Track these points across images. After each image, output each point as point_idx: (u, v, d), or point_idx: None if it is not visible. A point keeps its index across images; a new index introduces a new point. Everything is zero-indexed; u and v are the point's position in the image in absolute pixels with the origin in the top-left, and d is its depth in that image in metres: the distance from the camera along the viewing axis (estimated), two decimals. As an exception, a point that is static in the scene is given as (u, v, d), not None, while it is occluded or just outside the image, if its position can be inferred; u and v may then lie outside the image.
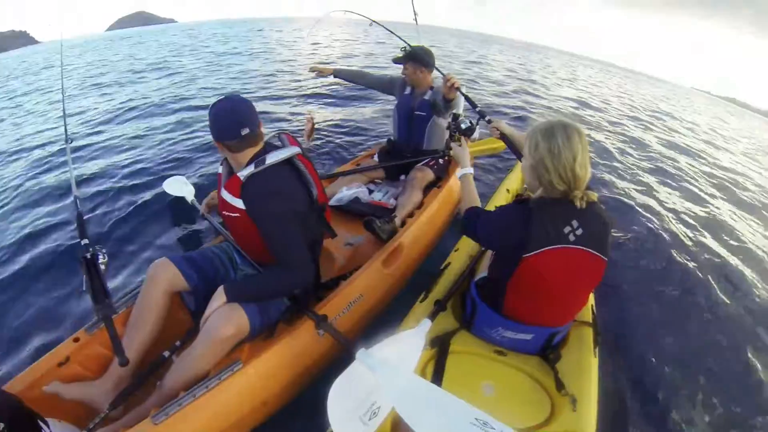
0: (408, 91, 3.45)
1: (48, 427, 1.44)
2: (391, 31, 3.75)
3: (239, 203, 1.74)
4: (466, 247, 2.51)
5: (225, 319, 1.65)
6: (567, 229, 1.54)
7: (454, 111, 3.45)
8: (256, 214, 1.73)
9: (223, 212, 1.86)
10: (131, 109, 7.42)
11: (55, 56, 20.25)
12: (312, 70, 3.57)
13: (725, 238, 4.74)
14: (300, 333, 1.91)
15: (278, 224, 1.73)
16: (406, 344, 1.63)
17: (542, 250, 1.53)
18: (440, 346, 1.82)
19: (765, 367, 2.71)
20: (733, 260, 4.20)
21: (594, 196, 1.57)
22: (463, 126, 2.72)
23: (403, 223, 2.82)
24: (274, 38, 22.69)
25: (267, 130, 1.89)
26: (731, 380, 2.55)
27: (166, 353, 1.78)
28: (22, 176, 4.73)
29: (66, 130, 2.29)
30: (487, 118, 2.85)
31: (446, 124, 3.37)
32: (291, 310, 1.95)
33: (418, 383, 1.48)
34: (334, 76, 3.62)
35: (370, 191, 3.26)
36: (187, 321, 2.00)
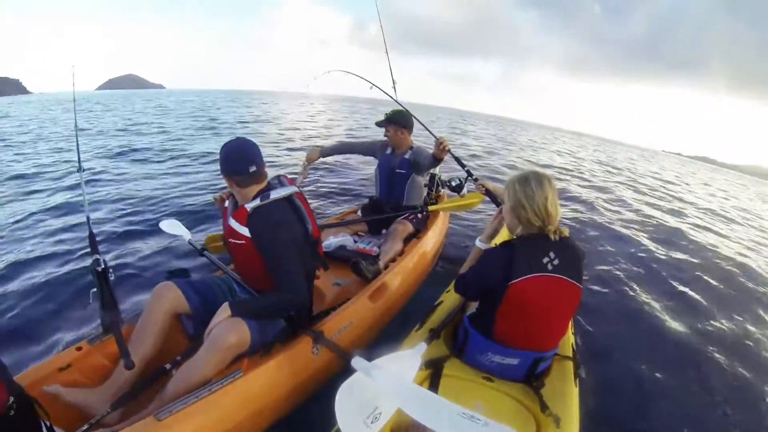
0: (389, 151, 3.68)
1: (48, 418, 1.49)
2: (389, 95, 4.01)
3: (245, 231, 1.94)
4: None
5: (229, 329, 1.78)
6: (545, 260, 1.76)
7: (432, 171, 3.81)
8: (260, 241, 1.92)
9: (230, 240, 2.04)
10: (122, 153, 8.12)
11: (51, 107, 21.95)
12: (306, 158, 3.67)
13: (689, 268, 5.29)
14: (296, 350, 2.04)
15: (279, 251, 1.91)
16: (404, 362, 1.74)
17: (525, 277, 1.74)
18: (434, 369, 1.94)
19: (739, 390, 2.89)
20: (700, 284, 4.70)
21: (566, 231, 1.83)
22: (453, 184, 3.04)
23: (386, 267, 2.99)
24: (267, 110, 24.46)
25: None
26: (702, 403, 2.71)
27: (167, 365, 1.85)
28: (37, 201, 5.31)
29: (80, 161, 2.49)
30: (474, 177, 3.17)
31: (424, 182, 3.67)
32: (286, 331, 2.08)
33: (407, 384, 1.59)
34: (322, 156, 3.75)
35: (355, 241, 3.44)
36: (184, 344, 2.06)
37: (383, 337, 2.67)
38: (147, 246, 3.87)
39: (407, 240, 3.39)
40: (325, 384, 2.17)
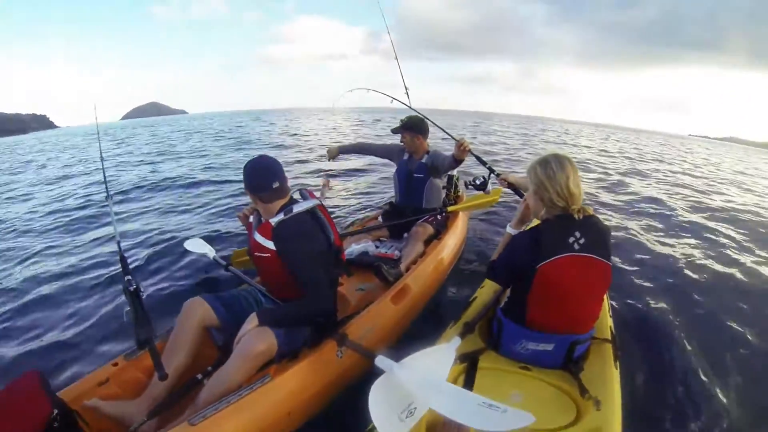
0: (406, 156, 3.72)
1: (89, 429, 1.59)
2: (404, 103, 4.05)
3: (270, 244, 1.99)
4: (490, 283, 2.62)
5: (257, 337, 1.84)
6: (571, 239, 1.75)
7: (449, 173, 3.82)
8: (285, 253, 1.98)
9: (255, 253, 2.08)
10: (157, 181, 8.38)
11: (76, 138, 22.78)
12: (328, 153, 3.94)
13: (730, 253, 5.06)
14: (322, 354, 2.08)
15: (304, 261, 1.98)
16: (438, 356, 1.76)
17: (553, 258, 1.73)
18: (469, 362, 1.93)
19: None
20: (741, 269, 4.48)
21: (590, 210, 1.82)
22: (477, 182, 3.12)
23: (407, 270, 3.01)
24: (296, 126, 25.01)
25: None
26: (751, 382, 2.64)
27: (199, 376, 1.92)
28: (69, 229, 5.64)
29: (107, 189, 2.57)
30: (496, 172, 3.19)
31: (442, 184, 3.70)
32: (313, 337, 2.11)
33: (429, 379, 1.60)
34: (341, 152, 3.94)
35: (377, 246, 3.45)
36: (214, 356, 2.09)
37: (408, 337, 2.68)
38: (175, 265, 3.99)
39: (428, 242, 3.40)
40: (351, 386, 2.20)
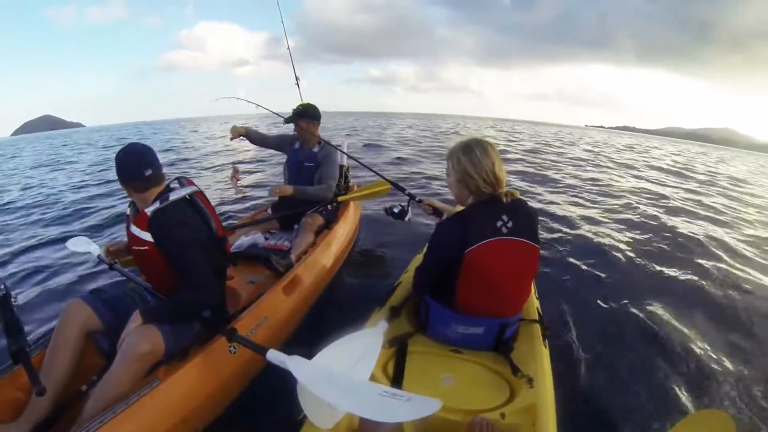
0: (297, 145, 3.66)
1: None
2: (275, 113, 4.05)
3: (147, 236, 1.85)
4: (414, 267, 2.57)
5: (140, 337, 1.71)
6: (499, 223, 1.72)
7: (340, 163, 3.84)
8: (163, 244, 1.85)
9: (133, 247, 1.94)
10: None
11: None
12: (232, 131, 3.62)
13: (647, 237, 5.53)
14: (213, 351, 1.97)
15: (183, 250, 1.86)
16: (364, 342, 1.68)
17: (480, 243, 1.68)
18: (398, 347, 1.87)
19: (695, 341, 3.00)
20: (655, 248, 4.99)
21: (516, 193, 1.79)
22: (395, 210, 2.93)
23: (298, 260, 2.96)
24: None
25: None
26: (667, 360, 2.77)
27: (84, 387, 1.77)
28: None
29: None
30: (417, 199, 3.04)
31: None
32: (203, 333, 2.03)
33: (324, 372, 1.53)
34: (246, 135, 3.67)
35: (266, 238, 3.39)
36: (100, 364, 1.93)
37: (305, 327, 2.70)
38: (54, 265, 3.69)
39: (319, 232, 3.40)
40: (251, 382, 2.17)
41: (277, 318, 2.44)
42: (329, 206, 3.61)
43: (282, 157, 3.82)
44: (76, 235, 3.18)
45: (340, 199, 3.69)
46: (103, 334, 1.97)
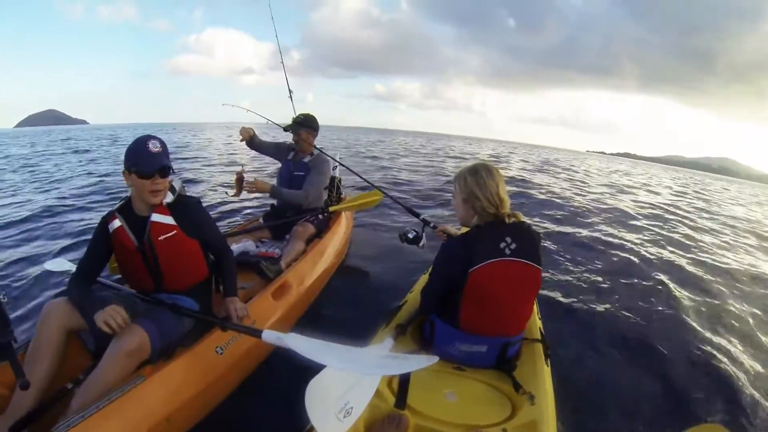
0: (290, 156, 3.67)
1: None
2: (278, 125, 3.98)
3: (171, 220, 1.98)
4: (420, 287, 2.53)
5: (127, 334, 1.71)
6: (502, 245, 1.75)
7: (332, 174, 3.91)
8: (193, 222, 2.05)
9: (159, 238, 1.96)
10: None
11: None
12: (242, 132, 3.62)
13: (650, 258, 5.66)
14: (200, 351, 1.97)
15: (211, 222, 2.17)
16: (371, 356, 1.71)
17: (484, 263, 1.72)
18: None
19: (699, 360, 3.06)
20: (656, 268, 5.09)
21: (520, 216, 1.84)
22: (410, 236, 2.86)
23: (288, 267, 2.98)
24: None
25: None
26: (669, 379, 2.81)
27: (69, 385, 1.73)
28: None
29: None
30: (431, 225, 3.01)
31: (324, 185, 3.73)
32: (191, 333, 2.05)
33: (322, 344, 1.63)
34: (250, 140, 3.65)
35: (257, 246, 3.34)
36: (87, 362, 1.92)
37: (296, 332, 2.71)
38: (35, 287, 3.57)
39: (309, 241, 3.41)
40: (239, 387, 2.17)
41: (267, 323, 2.43)
42: (320, 216, 3.62)
43: (278, 166, 3.84)
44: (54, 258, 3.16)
45: (331, 209, 3.71)
46: (89, 333, 1.95)
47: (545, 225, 7.00)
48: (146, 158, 1.89)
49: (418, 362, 1.35)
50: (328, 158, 3.72)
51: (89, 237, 2.06)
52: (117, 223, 1.99)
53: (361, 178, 3.92)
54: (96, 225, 2.03)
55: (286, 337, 1.61)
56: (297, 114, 3.68)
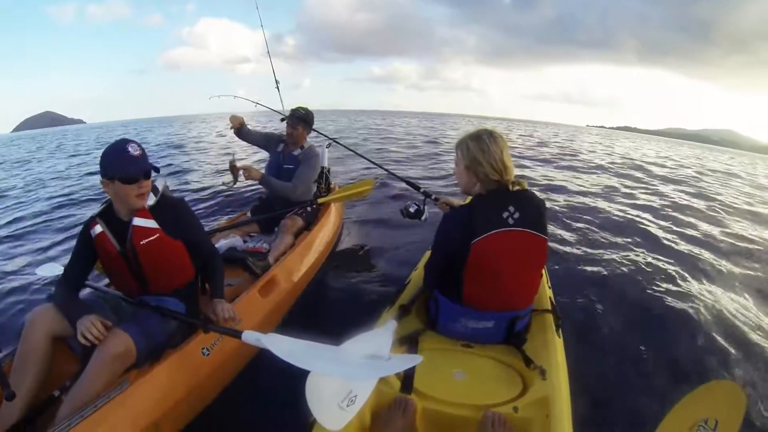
0: (280, 148, 3.60)
1: None
2: (275, 110, 4.12)
3: (154, 224, 1.93)
4: (424, 264, 2.47)
5: (113, 339, 1.69)
6: (505, 214, 1.69)
7: (321, 165, 3.78)
8: (176, 224, 2.00)
9: (141, 242, 1.91)
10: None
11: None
12: (232, 119, 3.57)
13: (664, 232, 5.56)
14: (185, 353, 1.94)
15: (196, 224, 2.15)
16: (375, 341, 1.68)
17: (487, 234, 1.66)
18: (409, 344, 1.84)
19: (717, 328, 2.99)
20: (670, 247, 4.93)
21: (524, 183, 1.77)
22: (411, 210, 2.78)
23: (276, 261, 2.94)
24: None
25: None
26: (687, 349, 2.77)
27: (57, 392, 1.69)
28: None
29: None
30: (433, 197, 2.95)
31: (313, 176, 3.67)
32: (176, 336, 2.03)
33: (301, 345, 1.59)
34: (239, 128, 3.60)
35: (245, 241, 3.33)
36: (75, 368, 1.85)
37: (284, 329, 2.65)
38: (26, 291, 3.57)
39: (298, 234, 3.37)
40: (225, 388, 2.15)
41: (254, 320, 2.38)
42: (309, 208, 3.57)
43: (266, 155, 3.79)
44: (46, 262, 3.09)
45: (320, 200, 3.66)
46: (76, 338, 1.86)
47: (553, 195, 7.02)
48: (129, 163, 1.84)
49: (403, 362, 1.34)
50: (318, 152, 3.68)
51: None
52: (98, 228, 1.95)
53: (366, 158, 3.97)
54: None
55: (266, 339, 1.57)
56: (281, 104, 3.71)
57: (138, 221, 1.92)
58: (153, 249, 1.95)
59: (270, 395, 2.20)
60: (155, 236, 1.93)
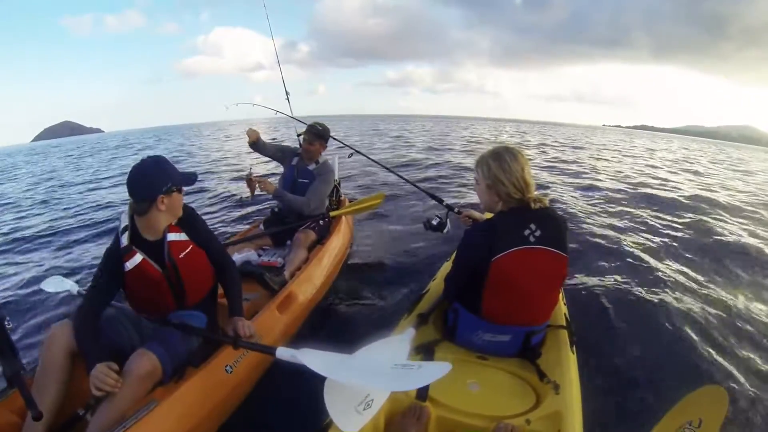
0: (294, 161, 3.62)
1: None
2: (296, 118, 4.16)
3: (185, 236, 1.94)
4: (442, 275, 2.55)
5: (140, 360, 1.70)
6: (527, 232, 1.70)
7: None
8: (200, 235, 2.02)
9: (180, 256, 1.92)
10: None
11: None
12: (249, 133, 3.57)
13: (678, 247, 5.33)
14: (210, 371, 1.96)
15: (212, 236, 2.15)
16: (392, 347, 1.71)
17: (508, 251, 1.67)
18: (425, 353, 1.85)
19: (732, 347, 2.96)
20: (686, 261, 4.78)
21: (546, 200, 1.77)
22: (434, 222, 2.81)
23: (291, 277, 2.94)
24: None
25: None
26: (702, 366, 2.73)
27: (81, 411, 1.66)
28: None
29: None
30: (456, 210, 2.96)
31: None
32: (199, 353, 2.04)
33: (334, 358, 1.61)
34: (255, 142, 3.61)
35: (259, 255, 3.34)
36: None
37: (300, 343, 2.69)
38: (45, 294, 3.55)
39: (311, 248, 3.39)
40: (246, 399, 2.20)
41: (273, 337, 2.39)
42: (321, 222, 3.60)
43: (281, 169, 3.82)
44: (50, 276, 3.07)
45: (333, 214, 3.71)
46: None
47: (570, 208, 6.85)
48: (177, 171, 1.92)
49: (435, 371, 1.36)
50: (332, 167, 3.72)
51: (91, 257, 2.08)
52: (138, 257, 1.88)
53: (392, 171, 3.97)
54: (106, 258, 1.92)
55: (300, 354, 1.59)
56: (291, 113, 3.78)
57: (172, 236, 1.92)
58: (190, 261, 1.97)
59: (286, 401, 2.26)
60: (189, 248, 1.95)
